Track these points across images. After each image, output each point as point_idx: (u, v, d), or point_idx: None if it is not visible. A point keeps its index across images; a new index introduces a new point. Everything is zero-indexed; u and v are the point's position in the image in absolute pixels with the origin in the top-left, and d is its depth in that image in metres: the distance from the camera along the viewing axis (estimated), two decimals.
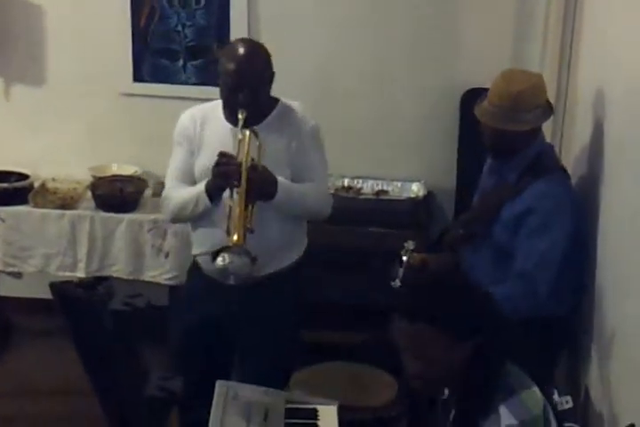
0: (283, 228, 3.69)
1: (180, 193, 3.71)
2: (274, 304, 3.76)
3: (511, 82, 3.61)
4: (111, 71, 5.15)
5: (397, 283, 3.74)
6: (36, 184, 5.06)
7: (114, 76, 5.16)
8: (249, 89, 3.53)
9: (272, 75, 3.67)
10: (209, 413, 3.17)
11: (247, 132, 3.52)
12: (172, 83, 5.13)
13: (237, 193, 3.45)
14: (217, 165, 3.50)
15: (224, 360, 3.89)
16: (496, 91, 3.65)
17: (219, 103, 3.70)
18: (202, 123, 3.73)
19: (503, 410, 2.54)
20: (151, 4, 5.05)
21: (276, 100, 3.74)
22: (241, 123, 3.53)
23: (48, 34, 5.14)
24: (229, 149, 3.55)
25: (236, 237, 3.35)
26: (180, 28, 5.09)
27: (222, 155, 3.50)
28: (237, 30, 4.99)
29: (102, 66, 5.15)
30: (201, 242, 3.75)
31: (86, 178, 5.08)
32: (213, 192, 3.57)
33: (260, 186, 3.49)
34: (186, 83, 5.13)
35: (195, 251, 3.82)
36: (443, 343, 2.57)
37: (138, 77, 5.16)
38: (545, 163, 3.69)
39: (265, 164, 3.54)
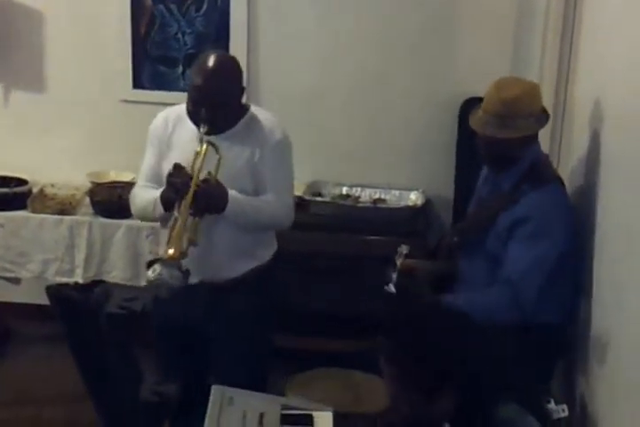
0: (238, 237, 3.66)
1: (144, 195, 3.71)
2: (236, 308, 3.73)
3: (504, 89, 3.59)
4: (111, 78, 5.17)
5: (391, 287, 3.74)
6: (35, 190, 5.07)
7: (113, 83, 5.18)
8: (212, 105, 3.52)
9: (241, 89, 3.65)
10: (197, 416, 3.16)
11: (204, 146, 3.51)
12: (172, 90, 5.14)
13: (182, 206, 3.44)
14: (169, 176, 3.51)
15: (201, 361, 3.83)
16: (489, 99, 3.63)
17: None
18: (174, 125, 3.72)
19: None
20: (151, 11, 5.08)
21: (246, 109, 3.70)
22: (200, 136, 3.53)
23: (48, 40, 5.16)
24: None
25: (172, 251, 3.35)
26: (179, 35, 5.11)
27: (175, 167, 3.49)
28: (237, 38, 5.02)
29: (102, 72, 5.17)
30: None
31: (85, 184, 5.09)
32: (165, 202, 3.56)
33: (208, 200, 3.48)
34: (185, 90, 5.03)
35: (161, 251, 3.78)
36: (425, 392, 2.54)
37: (137, 84, 5.19)
38: (540, 172, 3.66)
39: (227, 173, 3.54)
